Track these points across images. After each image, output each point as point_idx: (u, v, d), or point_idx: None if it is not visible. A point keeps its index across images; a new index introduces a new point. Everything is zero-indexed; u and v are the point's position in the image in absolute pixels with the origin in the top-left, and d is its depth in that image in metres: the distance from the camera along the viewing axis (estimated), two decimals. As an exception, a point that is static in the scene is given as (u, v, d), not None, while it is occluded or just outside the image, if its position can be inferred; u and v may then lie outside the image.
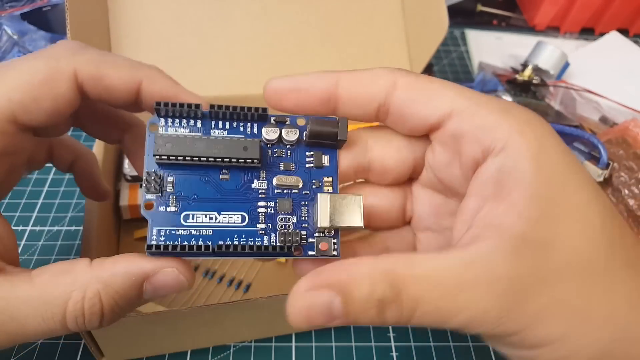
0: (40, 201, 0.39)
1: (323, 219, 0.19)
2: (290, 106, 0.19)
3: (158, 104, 0.19)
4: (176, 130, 0.19)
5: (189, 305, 0.29)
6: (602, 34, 0.63)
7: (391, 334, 0.33)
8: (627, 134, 0.44)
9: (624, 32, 0.63)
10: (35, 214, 0.39)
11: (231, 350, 0.32)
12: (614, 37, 0.62)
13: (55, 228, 0.38)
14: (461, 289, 0.15)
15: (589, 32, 0.65)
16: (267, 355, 0.32)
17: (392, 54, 0.44)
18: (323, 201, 0.19)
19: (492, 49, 0.61)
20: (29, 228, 0.38)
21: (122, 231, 0.37)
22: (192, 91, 0.21)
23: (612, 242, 0.16)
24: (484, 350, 0.33)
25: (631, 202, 0.42)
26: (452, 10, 0.46)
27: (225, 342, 0.32)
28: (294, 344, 0.32)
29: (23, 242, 0.37)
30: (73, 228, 0.38)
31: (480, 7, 0.66)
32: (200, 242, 0.18)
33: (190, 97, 0.20)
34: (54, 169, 0.41)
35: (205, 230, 0.19)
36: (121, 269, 0.18)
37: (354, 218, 0.19)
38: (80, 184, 0.27)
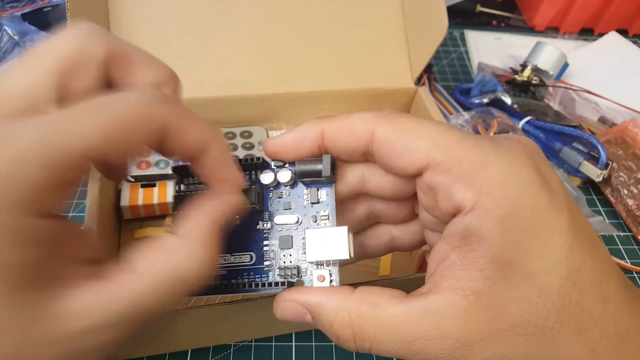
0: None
1: (310, 254, 0.20)
2: (289, 159, 0.22)
3: (174, 168, 0.22)
4: (196, 187, 0.22)
5: (189, 305, 0.29)
6: (601, 35, 0.63)
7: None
8: (626, 134, 0.44)
9: (623, 32, 0.63)
10: (35, 214, 0.39)
11: (231, 350, 0.32)
12: (613, 38, 0.62)
13: (56, 228, 0.38)
14: (415, 337, 0.18)
15: (588, 33, 0.65)
16: (267, 355, 0.32)
17: (392, 54, 0.44)
18: (309, 237, 0.21)
19: (491, 49, 0.61)
20: (29, 228, 0.38)
21: (123, 231, 0.37)
22: (237, 171, 0.21)
23: (565, 308, 0.17)
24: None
25: (630, 202, 0.42)
26: (452, 11, 0.46)
27: (225, 342, 0.32)
28: (294, 343, 0.32)
29: (23, 242, 0.37)
30: (73, 228, 0.38)
31: (479, 8, 0.66)
32: (217, 282, 0.21)
33: (234, 175, 0.21)
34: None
35: (221, 270, 0.22)
36: (204, 223, 0.19)
37: (339, 251, 0.20)
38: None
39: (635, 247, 0.41)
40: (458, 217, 0.18)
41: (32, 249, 0.16)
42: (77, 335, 0.17)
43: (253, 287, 0.21)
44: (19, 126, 0.17)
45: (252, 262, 0.22)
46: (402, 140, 0.19)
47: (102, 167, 0.23)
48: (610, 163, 0.43)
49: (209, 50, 0.41)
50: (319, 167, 0.21)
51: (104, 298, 0.17)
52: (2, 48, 0.48)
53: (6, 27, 0.48)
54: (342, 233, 0.20)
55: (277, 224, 0.22)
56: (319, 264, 0.21)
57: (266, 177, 0.22)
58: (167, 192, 0.37)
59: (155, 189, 0.37)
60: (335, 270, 0.21)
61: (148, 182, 0.37)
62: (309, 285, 0.21)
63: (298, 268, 0.21)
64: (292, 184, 0.22)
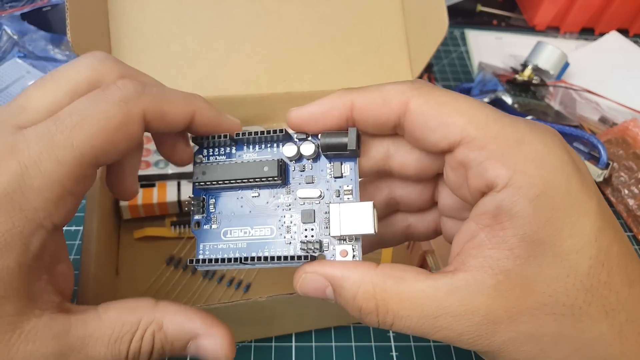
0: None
1: (334, 228, 0.20)
2: (313, 131, 0.21)
3: (195, 139, 0.22)
4: (216, 158, 0.22)
5: (189, 305, 0.29)
6: (602, 34, 0.63)
7: (391, 334, 0.33)
8: (626, 134, 0.44)
9: (623, 32, 0.63)
10: (35, 214, 0.39)
11: (231, 350, 0.32)
12: (613, 37, 0.62)
13: (55, 228, 0.38)
14: (440, 313, 0.18)
15: (588, 32, 0.65)
16: (267, 355, 0.32)
17: (392, 54, 0.44)
18: (334, 211, 0.20)
19: (492, 49, 0.61)
20: (29, 228, 0.38)
21: (122, 231, 0.37)
22: (231, 117, 0.23)
23: (594, 289, 0.17)
24: (484, 350, 0.33)
25: (631, 202, 0.42)
26: (452, 10, 0.46)
27: (225, 342, 0.32)
28: (294, 344, 0.32)
29: (23, 242, 0.37)
30: (73, 228, 0.38)
31: (480, 7, 0.66)
32: (237, 255, 0.21)
33: (230, 121, 0.23)
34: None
35: (241, 243, 0.22)
36: (178, 319, 0.20)
37: (364, 225, 0.20)
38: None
39: (636, 247, 0.41)
40: (490, 195, 0.18)
41: (18, 255, 0.17)
42: (30, 358, 0.17)
43: (276, 260, 0.20)
44: (22, 138, 0.18)
45: (272, 236, 0.21)
46: (437, 114, 0.19)
47: (113, 187, 0.24)
48: (611, 163, 0.43)
49: (209, 50, 0.41)
50: (344, 140, 0.20)
51: (61, 328, 0.18)
52: (1, 47, 0.47)
53: (5, 27, 0.48)
54: (367, 208, 0.20)
55: (300, 198, 0.21)
56: (341, 238, 0.20)
57: (289, 150, 0.22)
58: (166, 192, 0.37)
59: (155, 189, 0.37)
60: (358, 245, 0.20)
61: (147, 182, 0.37)
62: (332, 259, 0.20)
63: (320, 242, 0.21)
64: (315, 157, 0.22)
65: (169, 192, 0.37)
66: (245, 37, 0.41)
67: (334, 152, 0.21)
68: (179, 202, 0.37)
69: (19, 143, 0.17)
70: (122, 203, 0.36)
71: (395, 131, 0.21)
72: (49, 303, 0.18)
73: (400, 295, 0.18)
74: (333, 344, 0.32)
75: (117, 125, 0.19)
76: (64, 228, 0.37)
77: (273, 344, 0.32)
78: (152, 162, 0.38)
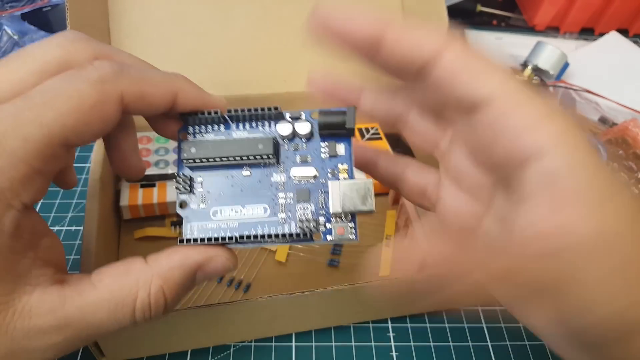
0: (40, 201, 0.39)
1: (334, 205, 0.20)
2: (333, 34, 0.20)
3: (183, 114, 0.21)
4: (203, 136, 0.21)
5: (189, 305, 0.29)
6: (601, 34, 0.63)
7: (391, 334, 0.33)
8: (626, 134, 0.44)
9: (623, 32, 0.63)
10: (35, 214, 0.39)
11: (231, 350, 0.32)
12: (613, 37, 0.62)
13: (56, 228, 0.38)
14: None
15: (588, 32, 0.65)
16: (267, 355, 0.32)
17: (392, 54, 0.44)
18: (334, 188, 0.20)
19: (491, 49, 0.61)
20: (29, 228, 0.38)
21: (122, 231, 0.37)
22: (215, 95, 0.22)
23: None
24: (484, 350, 0.33)
25: (631, 202, 0.42)
26: (452, 11, 0.46)
27: (225, 342, 0.32)
28: (294, 343, 0.32)
29: (23, 242, 0.37)
30: (73, 228, 0.38)
31: (480, 8, 0.66)
32: (229, 234, 0.20)
33: (216, 100, 0.22)
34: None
35: (232, 222, 0.21)
36: (177, 263, 0.20)
37: (364, 203, 0.20)
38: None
39: (636, 247, 0.41)
40: (532, 166, 0.17)
41: None
42: (30, 334, 0.18)
43: (273, 238, 0.20)
44: None
45: (266, 215, 0.21)
46: (474, 64, 0.18)
47: (119, 169, 0.24)
48: (611, 163, 0.43)
49: (209, 50, 0.41)
50: (343, 119, 0.20)
51: (55, 301, 0.18)
52: (1, 48, 0.48)
53: (6, 27, 0.48)
54: (367, 185, 0.20)
55: (294, 177, 0.21)
56: (337, 216, 0.20)
57: (284, 128, 0.21)
58: (166, 192, 0.37)
59: (155, 189, 0.37)
60: (354, 224, 0.21)
61: (148, 182, 0.37)
62: (330, 238, 0.20)
63: (317, 221, 0.21)
64: (309, 136, 0.22)
65: (169, 192, 0.37)
66: (245, 37, 0.41)
67: (331, 131, 0.21)
68: (179, 202, 0.37)
69: None
70: (122, 203, 0.36)
71: (415, 76, 0.19)
72: (40, 277, 0.18)
73: None
74: (333, 343, 0.32)
75: (91, 105, 0.18)
76: (64, 229, 0.38)
77: (273, 344, 0.32)
78: (152, 162, 0.38)
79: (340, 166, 0.21)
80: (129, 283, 0.19)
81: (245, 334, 0.32)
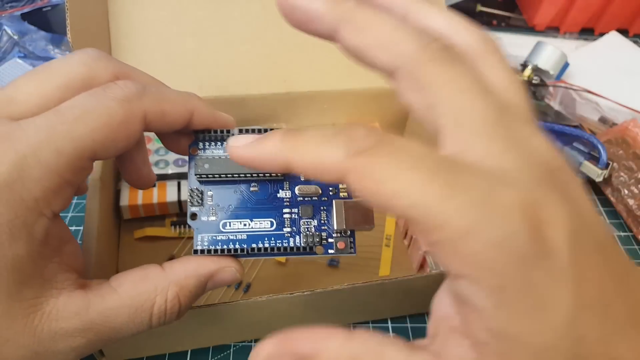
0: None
1: (338, 223, 0.22)
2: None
3: (196, 131, 0.23)
4: (212, 152, 0.23)
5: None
6: (601, 34, 0.63)
7: (391, 334, 0.33)
8: (626, 134, 0.44)
9: (623, 32, 0.63)
10: (35, 214, 0.39)
11: (231, 350, 0.32)
12: (613, 37, 0.62)
13: (56, 228, 0.38)
14: None
15: (588, 32, 0.65)
16: (267, 355, 0.32)
17: (392, 54, 0.44)
18: (337, 207, 0.22)
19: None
20: (29, 228, 0.38)
21: (122, 231, 0.37)
22: (225, 114, 0.23)
23: None
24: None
25: (631, 202, 0.42)
26: (452, 11, 0.46)
27: (225, 342, 0.32)
28: (294, 343, 0.32)
29: (23, 242, 0.37)
30: (73, 228, 0.38)
31: (479, 8, 0.66)
32: (237, 245, 0.22)
33: (226, 118, 0.23)
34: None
35: (241, 235, 0.22)
36: (192, 271, 0.21)
37: (365, 221, 0.22)
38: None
39: (636, 247, 0.41)
40: (448, 279, 0.16)
41: (25, 244, 0.18)
42: (56, 336, 0.18)
43: (275, 251, 0.22)
44: (18, 128, 0.18)
45: (272, 228, 0.22)
46: (373, 195, 0.15)
47: (131, 181, 0.25)
48: (611, 163, 0.43)
49: (209, 50, 0.41)
50: None
51: (80, 305, 0.19)
52: (1, 48, 0.48)
53: (6, 27, 0.48)
54: (367, 205, 0.21)
55: (298, 194, 0.23)
56: (340, 231, 0.22)
57: None
58: (166, 192, 0.37)
59: (155, 189, 0.37)
60: (353, 238, 0.22)
61: (148, 182, 0.37)
62: (331, 252, 0.22)
63: (320, 235, 0.22)
64: None
65: (169, 192, 0.37)
66: (245, 37, 0.41)
67: None
68: (179, 202, 0.37)
69: (16, 132, 0.18)
70: (122, 203, 0.36)
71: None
72: (65, 282, 0.19)
73: None
74: (333, 344, 0.32)
75: (118, 123, 0.19)
76: (64, 228, 0.38)
77: (273, 344, 0.32)
78: (152, 162, 0.38)
79: (341, 185, 0.23)
80: (147, 289, 0.20)
81: (245, 334, 0.32)
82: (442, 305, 0.17)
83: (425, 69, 0.16)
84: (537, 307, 0.14)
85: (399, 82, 0.17)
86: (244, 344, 0.32)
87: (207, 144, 0.23)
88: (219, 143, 0.23)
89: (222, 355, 0.32)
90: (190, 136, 0.23)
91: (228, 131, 0.23)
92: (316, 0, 0.17)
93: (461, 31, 0.18)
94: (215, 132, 0.23)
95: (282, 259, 0.36)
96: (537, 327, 0.14)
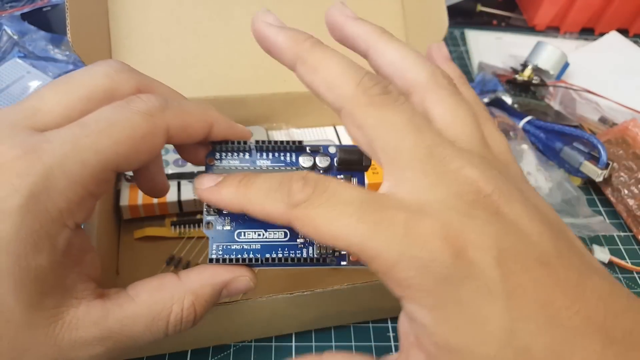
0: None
1: None
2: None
3: (213, 143, 0.23)
4: (229, 163, 0.23)
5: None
6: (601, 34, 0.63)
7: (391, 334, 0.33)
8: (626, 134, 0.44)
9: (623, 32, 0.63)
10: (35, 214, 0.39)
11: (231, 350, 0.32)
12: (613, 37, 0.62)
13: (56, 228, 0.38)
14: None
15: (588, 32, 0.65)
16: (267, 355, 0.32)
17: (392, 54, 0.44)
18: None
19: (492, 49, 0.61)
20: (29, 228, 0.38)
21: (122, 231, 0.37)
22: (241, 125, 0.24)
23: None
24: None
25: (631, 202, 0.42)
26: (452, 10, 0.46)
27: (225, 342, 0.32)
28: (294, 343, 0.32)
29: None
30: (73, 228, 0.38)
31: (480, 7, 0.66)
32: (251, 255, 0.22)
33: (243, 130, 0.24)
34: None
35: (255, 244, 0.22)
36: (208, 280, 0.21)
37: None
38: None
39: (636, 247, 0.41)
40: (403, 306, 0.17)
41: (48, 254, 0.18)
42: (76, 345, 0.19)
43: (289, 261, 0.22)
44: (44, 139, 0.18)
45: (286, 239, 0.22)
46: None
47: (146, 189, 0.25)
48: (611, 163, 0.43)
49: (209, 50, 0.41)
50: (360, 157, 0.22)
51: (99, 314, 0.19)
52: (1, 48, 0.48)
53: (5, 27, 0.48)
54: None
55: None
56: None
57: (305, 161, 0.23)
58: (167, 192, 0.37)
59: (155, 189, 0.37)
60: None
61: (148, 182, 0.37)
62: (344, 264, 0.22)
63: (333, 248, 0.22)
64: (328, 169, 0.23)
65: (169, 192, 0.37)
66: (245, 37, 0.41)
67: (348, 166, 0.23)
68: (179, 202, 0.37)
69: (42, 144, 0.18)
70: (122, 203, 0.36)
71: None
72: (84, 292, 0.19)
73: None
74: (333, 343, 0.32)
75: (142, 136, 0.19)
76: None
77: (273, 343, 0.32)
78: (152, 162, 0.38)
79: None
80: (163, 298, 0.20)
81: (245, 334, 0.32)
82: (401, 323, 0.19)
83: (361, 110, 0.18)
84: (473, 321, 0.15)
85: (343, 120, 0.19)
86: (244, 344, 0.32)
87: (223, 154, 0.23)
88: (235, 154, 0.23)
89: (222, 355, 0.32)
90: (206, 147, 0.23)
91: (245, 142, 0.23)
92: (280, 36, 0.21)
93: (413, 67, 0.20)
94: (232, 143, 0.23)
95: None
96: (478, 338, 0.15)
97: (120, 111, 0.19)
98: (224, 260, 0.22)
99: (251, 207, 0.19)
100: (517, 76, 0.52)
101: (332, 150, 0.23)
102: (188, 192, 0.37)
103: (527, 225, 0.16)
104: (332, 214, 0.17)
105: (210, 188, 0.21)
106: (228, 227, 0.23)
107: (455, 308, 0.16)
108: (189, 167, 0.38)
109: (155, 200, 0.36)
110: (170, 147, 0.39)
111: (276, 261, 0.22)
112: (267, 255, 0.22)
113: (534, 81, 0.52)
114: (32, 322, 0.18)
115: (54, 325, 0.18)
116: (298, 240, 0.22)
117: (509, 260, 0.16)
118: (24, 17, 0.50)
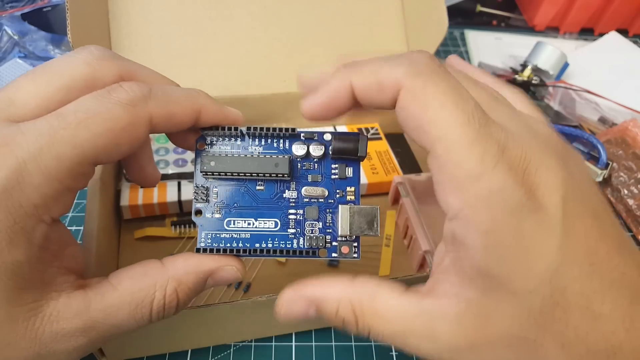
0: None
1: (342, 229, 0.22)
2: (326, 120, 0.21)
3: (204, 129, 0.22)
4: (220, 148, 0.22)
5: (189, 305, 0.29)
6: (601, 34, 0.63)
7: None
8: (626, 134, 0.44)
9: (623, 32, 0.63)
10: (35, 214, 0.39)
11: (231, 350, 0.32)
12: (613, 37, 0.62)
13: (56, 228, 0.38)
14: (409, 334, 0.19)
15: (588, 32, 0.65)
16: (267, 354, 0.32)
17: (392, 53, 0.44)
18: (343, 212, 0.22)
19: (491, 49, 0.61)
20: (29, 228, 0.38)
21: (123, 231, 0.37)
22: (233, 109, 0.23)
23: (548, 324, 0.17)
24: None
25: (630, 202, 0.42)
26: (452, 11, 0.46)
27: (225, 342, 0.32)
28: (294, 343, 0.32)
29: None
30: (73, 228, 0.38)
31: (479, 8, 0.66)
32: (240, 245, 0.22)
33: (234, 114, 0.23)
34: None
35: (244, 234, 0.22)
36: (192, 268, 0.21)
37: (370, 228, 0.22)
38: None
39: (636, 247, 0.41)
40: (446, 220, 0.18)
41: (24, 250, 0.17)
42: (57, 337, 0.18)
43: (278, 252, 0.22)
44: (19, 132, 0.17)
45: (277, 229, 0.22)
46: (417, 116, 0.18)
47: (136, 179, 0.25)
48: (611, 163, 0.43)
49: (209, 50, 0.41)
50: (356, 146, 0.22)
51: (81, 305, 0.19)
52: (1, 48, 0.48)
53: (6, 27, 0.48)
54: (374, 211, 0.22)
55: (304, 195, 0.22)
56: (348, 236, 0.22)
57: (299, 149, 0.22)
58: (166, 192, 0.37)
59: (155, 189, 0.37)
60: (357, 243, 0.22)
61: (148, 182, 0.37)
62: (335, 255, 0.22)
63: (324, 239, 0.22)
64: (322, 157, 0.23)
65: (169, 192, 0.37)
66: (245, 37, 0.41)
67: (343, 156, 0.22)
68: (180, 202, 0.37)
69: (16, 137, 0.17)
70: (123, 203, 0.36)
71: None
72: (64, 284, 0.19)
73: (374, 310, 0.19)
74: (333, 343, 0.32)
75: (122, 128, 0.18)
76: (64, 228, 0.38)
77: (273, 344, 0.32)
78: (152, 162, 0.38)
79: (348, 189, 0.22)
80: (146, 285, 0.20)
81: (245, 334, 0.32)
82: (439, 253, 0.20)
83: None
84: (523, 253, 0.16)
85: None
86: (244, 344, 0.32)
87: (214, 139, 0.22)
88: (226, 139, 0.22)
89: (222, 355, 0.32)
90: (196, 132, 0.23)
91: (236, 129, 0.22)
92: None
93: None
94: (224, 128, 0.22)
95: (282, 258, 0.36)
96: (521, 271, 0.16)
97: (100, 101, 0.18)
98: (212, 250, 0.21)
99: (361, 76, 0.19)
100: (516, 76, 0.52)
101: (327, 137, 0.22)
102: (188, 192, 0.37)
103: (583, 179, 0.18)
104: (445, 100, 0.17)
105: (316, 94, 0.20)
106: (218, 215, 0.22)
107: (512, 238, 0.16)
108: (189, 167, 0.38)
109: (155, 200, 0.36)
110: (171, 147, 0.39)
111: (265, 252, 0.22)
112: (257, 245, 0.22)
113: (533, 81, 0.52)
114: (11, 317, 0.18)
115: (34, 319, 0.18)
116: (289, 230, 0.22)
117: (570, 204, 0.17)
118: (25, 17, 0.50)
